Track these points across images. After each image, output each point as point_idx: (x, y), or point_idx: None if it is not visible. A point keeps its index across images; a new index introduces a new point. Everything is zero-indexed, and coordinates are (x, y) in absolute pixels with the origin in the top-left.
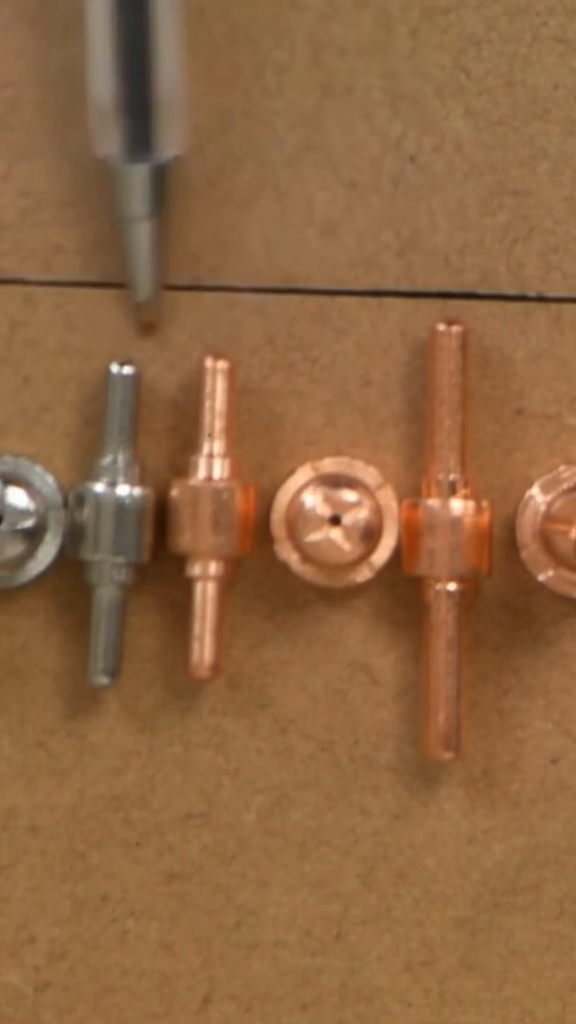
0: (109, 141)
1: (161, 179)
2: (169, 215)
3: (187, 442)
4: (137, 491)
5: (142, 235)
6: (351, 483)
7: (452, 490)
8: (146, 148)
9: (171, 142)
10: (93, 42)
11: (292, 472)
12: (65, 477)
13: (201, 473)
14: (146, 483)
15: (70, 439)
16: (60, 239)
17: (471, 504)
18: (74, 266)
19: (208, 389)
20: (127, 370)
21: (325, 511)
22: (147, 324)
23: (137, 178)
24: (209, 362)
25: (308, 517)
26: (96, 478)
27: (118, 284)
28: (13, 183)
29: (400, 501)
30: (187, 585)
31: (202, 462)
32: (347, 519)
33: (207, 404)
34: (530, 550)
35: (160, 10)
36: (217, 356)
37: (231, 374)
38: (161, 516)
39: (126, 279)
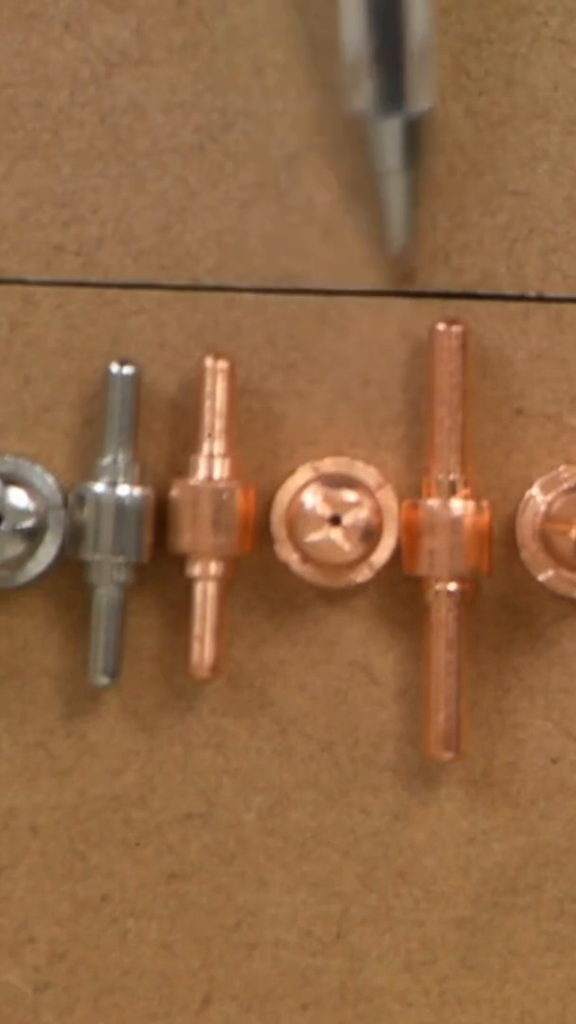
0: (362, 95)
1: (414, 132)
2: (423, 168)
3: (187, 442)
4: (137, 491)
5: (395, 187)
6: (351, 483)
7: (452, 490)
8: (399, 101)
9: (423, 94)
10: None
11: (292, 472)
12: (65, 477)
13: (201, 473)
14: (146, 483)
15: (70, 439)
16: (60, 239)
17: (471, 504)
18: (74, 266)
19: (208, 389)
20: (127, 370)
21: (325, 511)
22: (403, 276)
23: (390, 131)
24: (209, 362)
25: (308, 517)
26: (96, 478)
27: (119, 285)
28: (13, 183)
29: (400, 501)
30: (187, 585)
31: (202, 462)
32: (347, 519)
33: (207, 404)
34: (530, 550)
35: None
36: (217, 356)
37: (231, 374)
38: (161, 516)
39: (381, 231)
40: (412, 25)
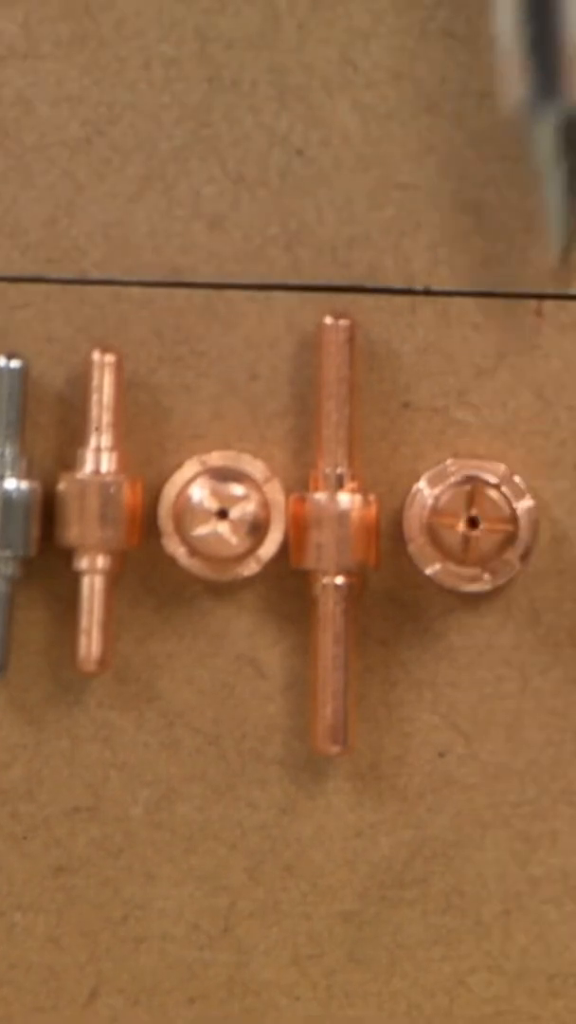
0: (518, 88)
1: (572, 124)
2: None
3: (74, 436)
4: (24, 484)
5: (555, 181)
6: (238, 477)
7: (339, 484)
8: (555, 92)
9: None
10: None
11: (179, 466)
12: None
13: (88, 467)
14: (33, 477)
15: None
16: None
17: (358, 498)
18: None
19: (95, 383)
20: (14, 364)
21: (212, 505)
22: (563, 271)
23: (547, 123)
24: (96, 356)
25: (195, 511)
26: None
27: (5, 278)
28: None
29: (287, 495)
30: (74, 579)
31: (89, 456)
32: (234, 513)
33: (94, 398)
34: (417, 544)
35: None
36: (104, 350)
37: (118, 368)
38: (48, 510)
39: (544, 226)
40: (568, 15)
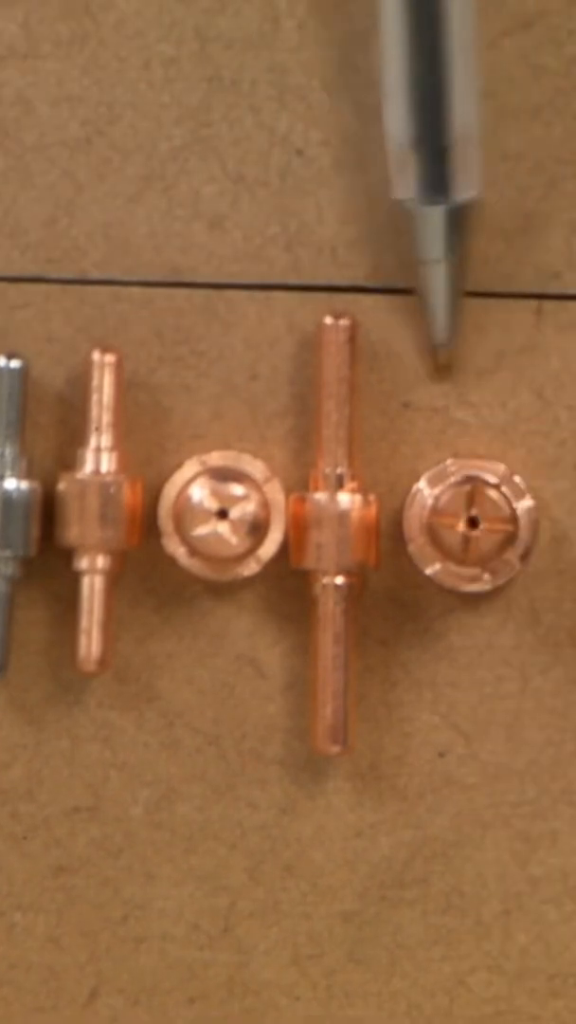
0: (406, 184)
1: (458, 221)
2: (467, 257)
3: (74, 436)
4: (24, 484)
5: (438, 277)
6: (238, 477)
7: (339, 484)
8: (442, 190)
9: (467, 184)
10: (388, 86)
11: (179, 466)
12: None
13: (88, 467)
14: (33, 477)
15: None
16: None
17: (358, 498)
18: None
19: (95, 383)
20: (14, 364)
21: (212, 505)
22: (443, 366)
23: (433, 220)
24: (96, 355)
25: (195, 511)
26: None
27: (6, 278)
28: None
29: (287, 495)
30: (74, 579)
31: (89, 456)
32: (234, 513)
33: (94, 398)
34: (417, 544)
35: (453, 53)
36: (104, 350)
37: (118, 368)
38: (48, 510)
39: (423, 320)
40: (456, 114)
